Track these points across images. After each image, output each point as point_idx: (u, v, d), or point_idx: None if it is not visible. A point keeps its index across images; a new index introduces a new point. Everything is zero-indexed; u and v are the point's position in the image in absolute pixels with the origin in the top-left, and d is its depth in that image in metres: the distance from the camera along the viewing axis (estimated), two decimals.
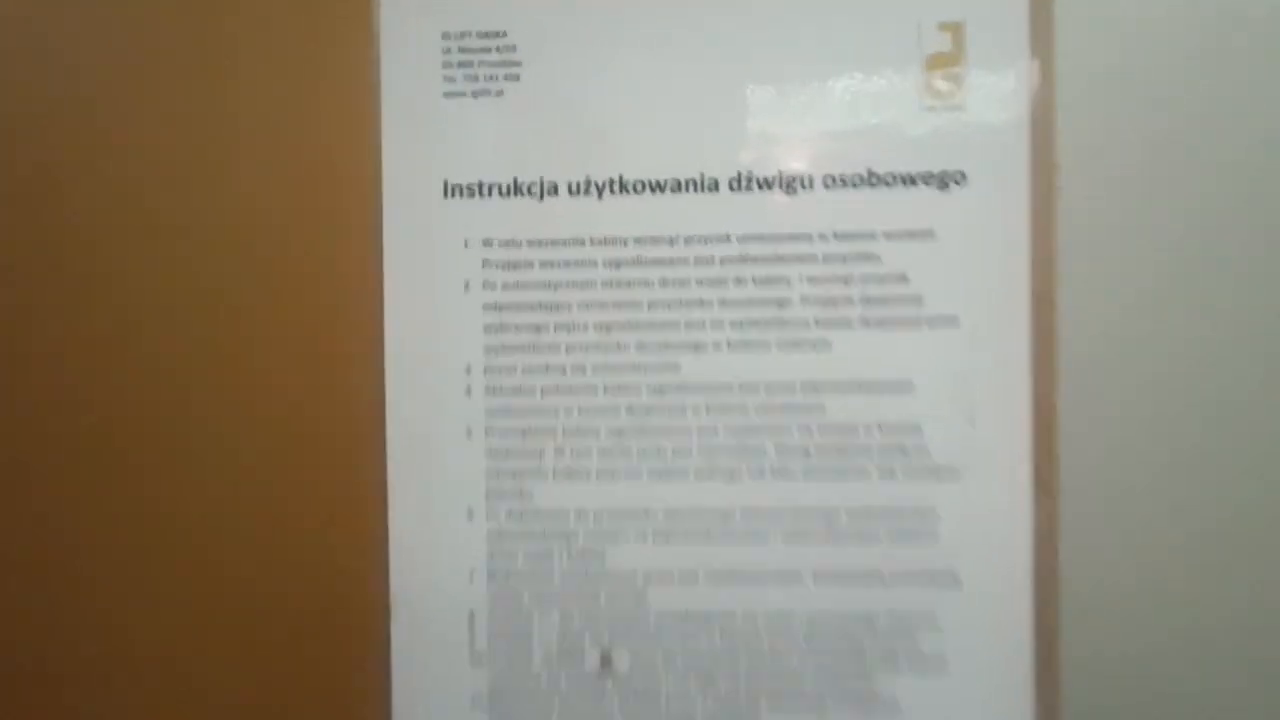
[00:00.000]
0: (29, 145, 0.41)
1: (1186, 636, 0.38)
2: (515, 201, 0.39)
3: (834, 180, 0.39)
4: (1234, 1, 0.38)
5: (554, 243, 0.39)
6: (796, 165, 0.39)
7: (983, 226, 0.38)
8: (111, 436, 0.40)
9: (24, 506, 0.41)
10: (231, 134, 0.40)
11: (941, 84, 0.38)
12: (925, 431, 0.38)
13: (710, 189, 0.39)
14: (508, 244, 0.39)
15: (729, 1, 0.39)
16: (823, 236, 0.39)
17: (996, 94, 0.38)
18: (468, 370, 0.39)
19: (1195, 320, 0.38)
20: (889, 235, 0.38)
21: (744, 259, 0.39)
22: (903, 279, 0.38)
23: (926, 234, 0.38)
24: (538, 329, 0.39)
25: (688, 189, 0.39)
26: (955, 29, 0.38)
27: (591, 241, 0.39)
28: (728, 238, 0.39)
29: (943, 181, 0.38)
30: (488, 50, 0.40)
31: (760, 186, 0.39)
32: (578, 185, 0.39)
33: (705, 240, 0.39)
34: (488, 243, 0.39)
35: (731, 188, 0.39)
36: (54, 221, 0.41)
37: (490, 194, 0.39)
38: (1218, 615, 0.38)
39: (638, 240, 0.39)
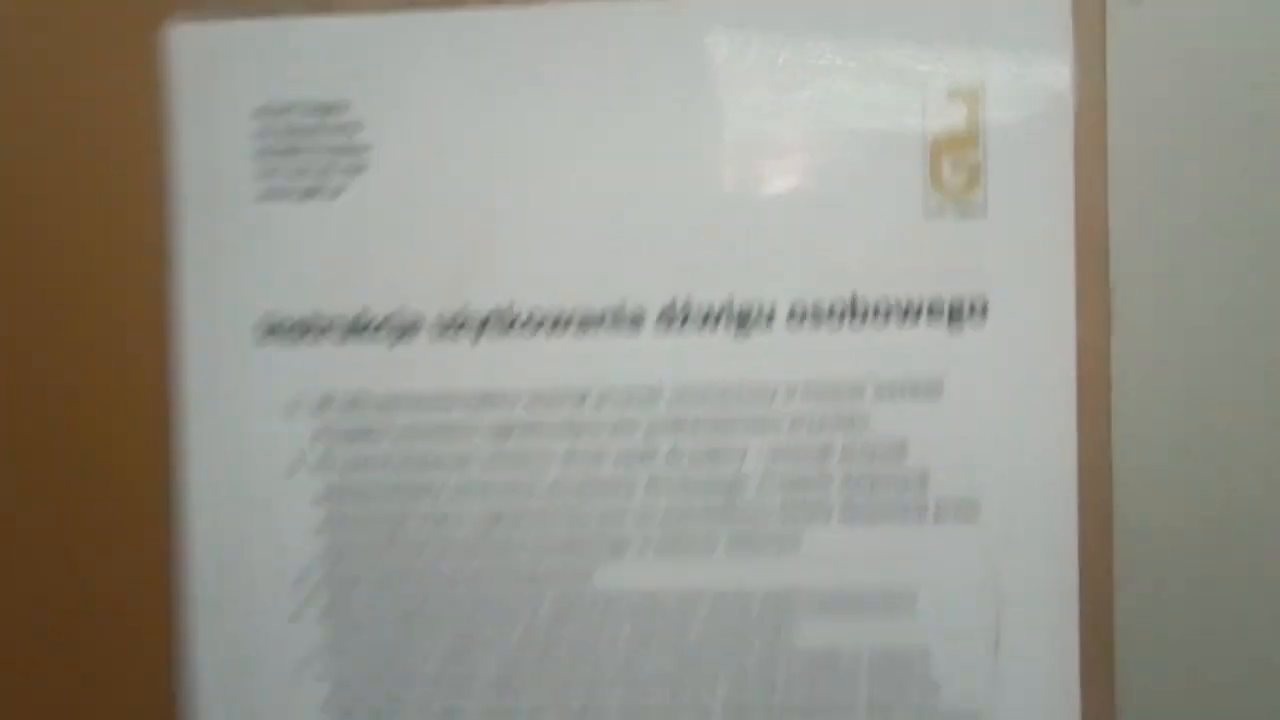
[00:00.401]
0: None
1: None
2: (361, 345, 0.28)
3: (805, 312, 0.28)
4: None
5: (416, 401, 0.28)
6: (753, 291, 0.28)
7: (1011, 376, 0.27)
8: None
9: None
10: None
11: (953, 175, 0.27)
12: (933, 662, 0.27)
13: (633, 324, 0.28)
14: (352, 404, 0.28)
15: (661, 61, 0.28)
16: (789, 392, 0.28)
17: (1030, 187, 0.27)
18: (298, 584, 0.28)
19: None
20: (881, 390, 0.27)
21: (680, 424, 0.28)
22: (900, 451, 0.27)
23: (933, 388, 0.27)
24: (396, 524, 0.28)
25: (602, 325, 0.28)
26: (971, 96, 0.27)
27: (469, 400, 0.28)
28: (658, 394, 0.28)
29: (955, 313, 0.27)
30: (322, 130, 0.28)
31: (703, 321, 0.28)
32: (449, 320, 0.28)
33: (627, 397, 0.28)
34: (324, 403, 0.28)
35: (662, 323, 0.28)
36: None
37: (326, 334, 0.28)
38: None
39: (533, 398, 0.28)
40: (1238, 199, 0.27)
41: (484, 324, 0.28)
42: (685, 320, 0.28)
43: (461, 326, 0.28)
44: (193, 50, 0.28)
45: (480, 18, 0.28)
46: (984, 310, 0.27)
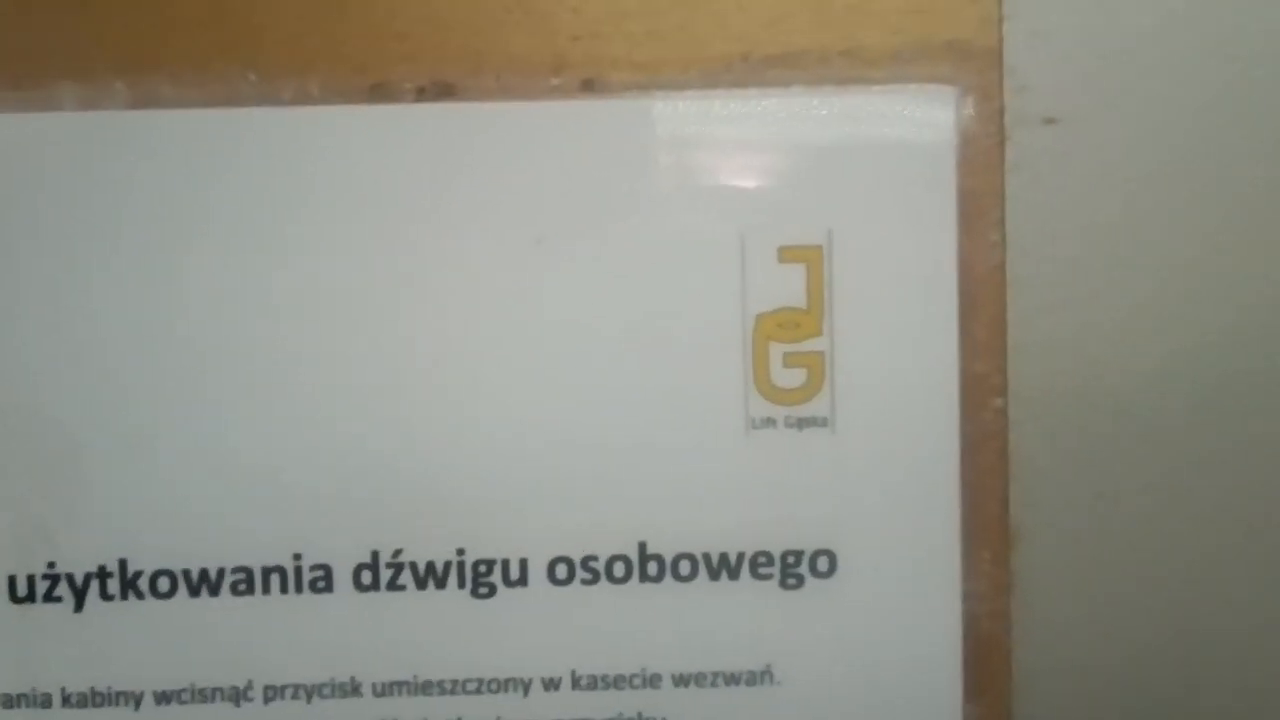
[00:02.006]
0: None
1: None
2: None
3: (570, 568, 0.19)
4: None
5: None
6: (495, 539, 0.19)
7: (870, 658, 0.19)
8: None
9: None
10: None
11: (785, 375, 0.19)
12: None
13: (317, 587, 0.19)
14: None
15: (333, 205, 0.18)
16: (550, 683, 0.19)
17: (897, 389, 0.19)
18: None
19: None
20: (683, 678, 0.19)
21: None
22: None
23: (758, 675, 0.19)
24: None
25: (267, 588, 0.19)
26: (811, 258, 0.19)
27: (66, 701, 0.18)
28: (354, 688, 0.19)
29: (790, 569, 0.19)
30: None
31: (422, 581, 0.19)
32: (26, 585, 0.18)
33: (307, 694, 0.19)
34: None
35: (360, 584, 0.19)
36: None
37: None
38: None
39: (161, 697, 0.19)
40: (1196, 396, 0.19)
41: (83, 589, 0.18)
42: (396, 580, 0.19)
43: (50, 594, 0.18)
44: None
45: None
46: (831, 565, 0.19)
